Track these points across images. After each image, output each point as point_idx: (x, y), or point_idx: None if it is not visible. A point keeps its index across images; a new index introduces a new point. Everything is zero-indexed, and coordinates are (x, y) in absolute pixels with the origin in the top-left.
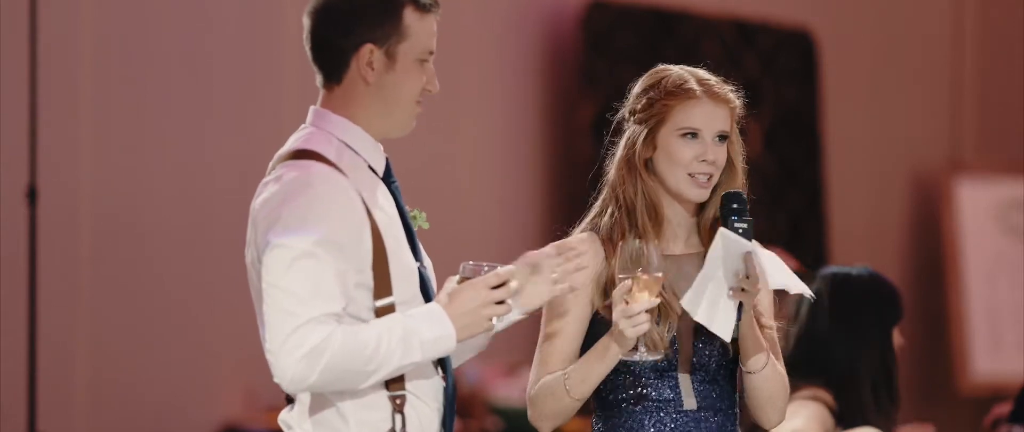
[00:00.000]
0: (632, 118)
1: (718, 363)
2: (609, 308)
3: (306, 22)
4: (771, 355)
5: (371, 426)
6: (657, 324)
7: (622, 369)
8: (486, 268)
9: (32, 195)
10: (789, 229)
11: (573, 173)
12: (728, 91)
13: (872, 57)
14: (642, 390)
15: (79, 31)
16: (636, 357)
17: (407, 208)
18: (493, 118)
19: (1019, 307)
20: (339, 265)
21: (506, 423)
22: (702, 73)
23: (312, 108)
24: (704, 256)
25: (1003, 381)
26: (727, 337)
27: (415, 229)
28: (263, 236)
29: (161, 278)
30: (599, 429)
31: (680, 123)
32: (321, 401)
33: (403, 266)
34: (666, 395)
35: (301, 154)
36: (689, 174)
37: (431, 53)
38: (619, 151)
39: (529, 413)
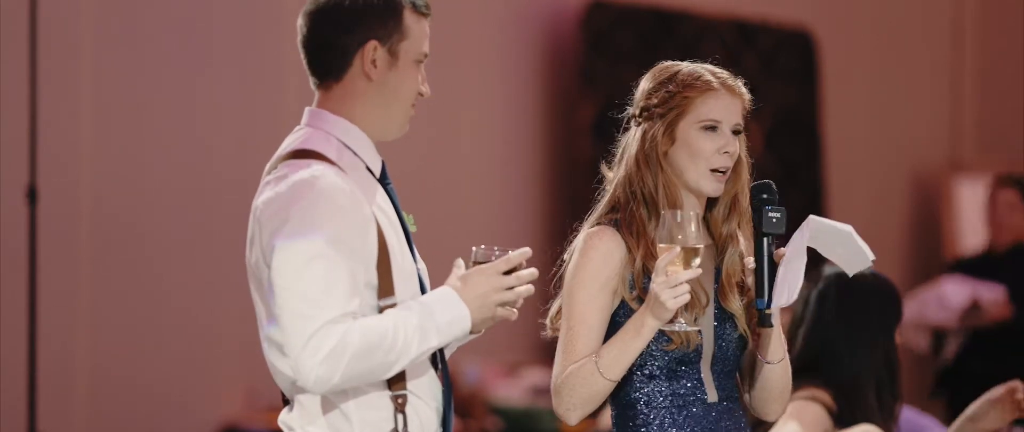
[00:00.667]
0: (645, 114)
1: (735, 355)
2: (635, 298)
3: (303, 23)
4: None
5: (373, 426)
6: (685, 312)
7: (643, 362)
8: (497, 252)
9: (32, 195)
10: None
11: (573, 173)
12: (740, 84)
13: (872, 57)
14: (666, 383)
15: (79, 31)
16: (675, 327)
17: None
18: (493, 118)
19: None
20: (350, 263)
21: (506, 423)
22: (711, 67)
23: (307, 109)
24: (714, 248)
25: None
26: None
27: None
28: (269, 238)
29: (161, 278)
30: (621, 425)
31: (701, 115)
32: (322, 402)
33: (403, 267)
34: (689, 388)
35: (302, 154)
36: (711, 168)
37: (426, 56)
38: (633, 146)
39: (555, 403)
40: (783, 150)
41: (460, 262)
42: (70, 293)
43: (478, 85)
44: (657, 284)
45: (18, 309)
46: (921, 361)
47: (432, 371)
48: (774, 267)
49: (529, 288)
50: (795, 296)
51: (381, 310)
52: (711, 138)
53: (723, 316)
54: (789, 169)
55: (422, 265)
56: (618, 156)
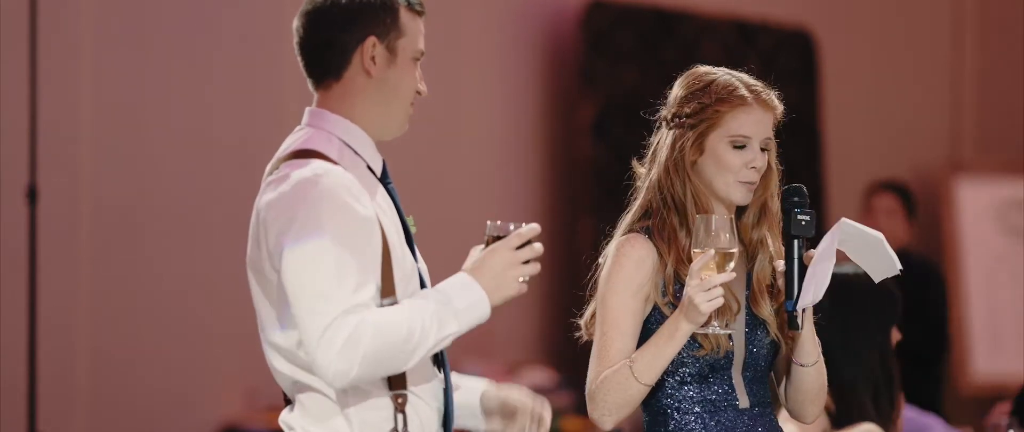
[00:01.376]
0: (676, 121)
1: (767, 361)
2: (667, 304)
3: (300, 24)
4: None
5: (373, 426)
6: (717, 317)
7: (674, 368)
8: (512, 226)
9: (32, 195)
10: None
11: (573, 173)
12: (774, 97)
13: (872, 57)
14: (697, 389)
15: (79, 31)
16: (709, 330)
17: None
18: (493, 118)
19: (1019, 307)
20: (360, 257)
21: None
22: (747, 78)
23: (308, 109)
24: (744, 254)
25: (1003, 381)
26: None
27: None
28: (276, 239)
29: (161, 278)
30: (653, 430)
31: (732, 130)
32: (322, 401)
33: (404, 266)
34: (720, 394)
35: (303, 153)
36: (739, 181)
37: (422, 53)
38: (663, 153)
39: (590, 409)
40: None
41: (477, 248)
42: (70, 293)
43: (478, 85)
44: (691, 288)
45: (18, 309)
46: None
47: (434, 371)
48: (803, 269)
49: (537, 265)
50: (820, 297)
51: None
52: (739, 154)
53: (755, 322)
54: (789, 169)
55: (423, 265)
56: (649, 155)
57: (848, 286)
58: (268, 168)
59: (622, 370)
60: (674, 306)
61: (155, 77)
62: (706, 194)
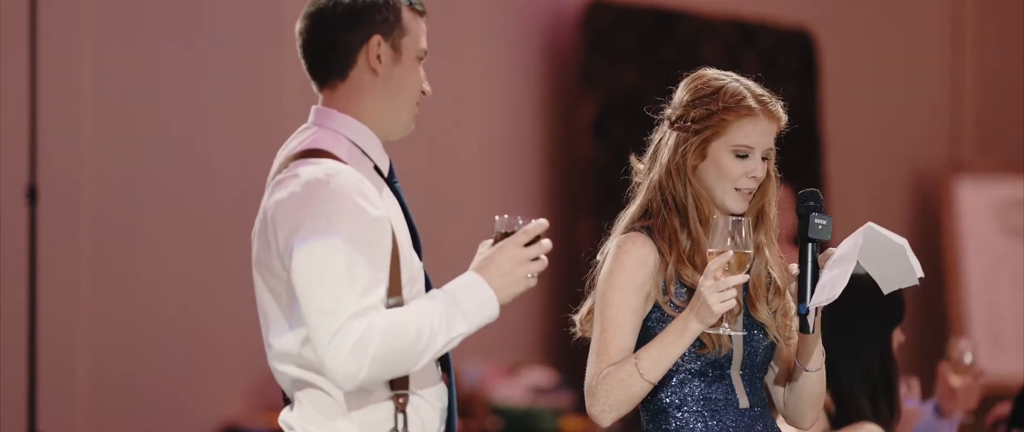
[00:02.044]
0: (680, 124)
1: (763, 362)
2: (668, 302)
3: (303, 25)
4: None
5: (373, 425)
6: (720, 319)
7: (676, 367)
8: (520, 221)
9: (32, 195)
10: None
11: (573, 173)
12: (780, 108)
13: (872, 57)
14: (699, 388)
15: (79, 31)
16: (721, 331)
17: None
18: (493, 118)
19: (1019, 307)
20: (369, 258)
21: (506, 423)
22: (755, 87)
23: (314, 108)
24: None
25: (1003, 381)
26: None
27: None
28: (286, 239)
29: (161, 278)
30: (654, 429)
31: (737, 140)
32: (322, 400)
33: (411, 267)
34: (721, 393)
35: (313, 153)
36: (736, 189)
37: (425, 53)
38: (665, 155)
39: (589, 405)
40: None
41: (486, 243)
42: (70, 293)
43: (478, 85)
44: (705, 288)
45: (18, 309)
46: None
47: (437, 372)
48: (817, 273)
49: (545, 261)
50: (835, 297)
51: (388, 308)
52: (741, 163)
53: (752, 324)
54: (789, 169)
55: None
56: (650, 152)
57: (849, 286)
58: (276, 166)
59: (626, 367)
60: (675, 305)
61: (155, 77)
62: (707, 198)
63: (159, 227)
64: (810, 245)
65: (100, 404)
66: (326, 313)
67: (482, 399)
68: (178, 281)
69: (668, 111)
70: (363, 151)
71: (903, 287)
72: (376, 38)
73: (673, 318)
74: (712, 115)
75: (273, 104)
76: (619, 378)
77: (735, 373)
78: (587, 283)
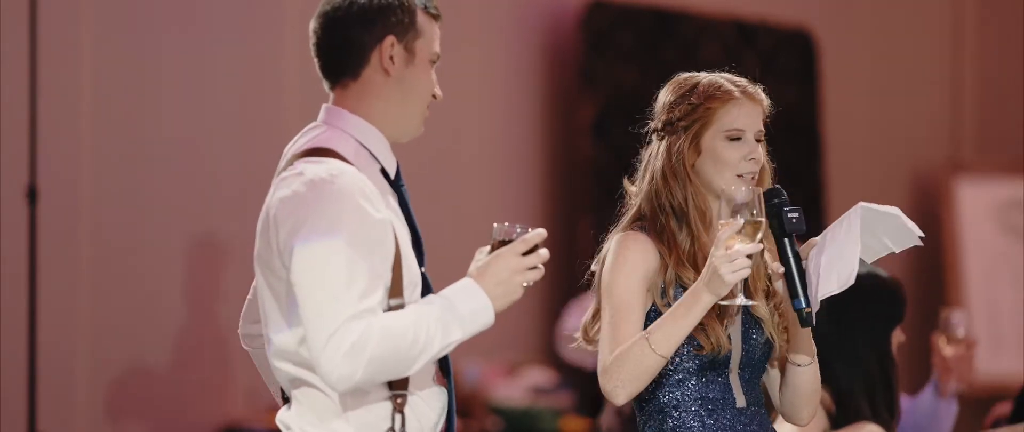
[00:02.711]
0: (668, 128)
1: (762, 360)
2: (665, 305)
3: (318, 24)
4: None
5: (370, 425)
6: (719, 319)
7: (673, 366)
8: (519, 229)
9: (32, 195)
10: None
11: (573, 173)
12: (760, 91)
13: (872, 57)
14: (696, 388)
15: (79, 31)
16: (736, 302)
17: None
18: (493, 118)
19: (1019, 307)
20: (370, 260)
21: (506, 423)
22: (730, 75)
23: (325, 106)
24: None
25: (1003, 381)
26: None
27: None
28: (287, 238)
29: (161, 278)
30: (652, 429)
31: (725, 125)
32: (319, 400)
33: (410, 271)
34: (718, 393)
35: (319, 152)
36: (738, 175)
37: (438, 57)
38: (658, 161)
39: (603, 382)
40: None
41: (483, 250)
42: (70, 293)
43: (478, 85)
44: (717, 258)
45: (18, 309)
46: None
47: (435, 373)
48: (801, 265)
49: (542, 270)
50: (849, 283)
51: (389, 310)
52: (736, 147)
53: (750, 321)
54: (789, 169)
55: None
56: (641, 170)
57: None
58: (282, 164)
59: (638, 342)
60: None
61: (155, 77)
62: (705, 196)
63: (159, 227)
64: (786, 240)
65: (100, 404)
66: (323, 314)
67: (482, 399)
68: (178, 281)
69: (652, 124)
70: (371, 152)
71: (908, 248)
72: (390, 39)
73: None
74: (696, 108)
75: (273, 104)
76: (632, 353)
77: (733, 373)
78: (587, 289)
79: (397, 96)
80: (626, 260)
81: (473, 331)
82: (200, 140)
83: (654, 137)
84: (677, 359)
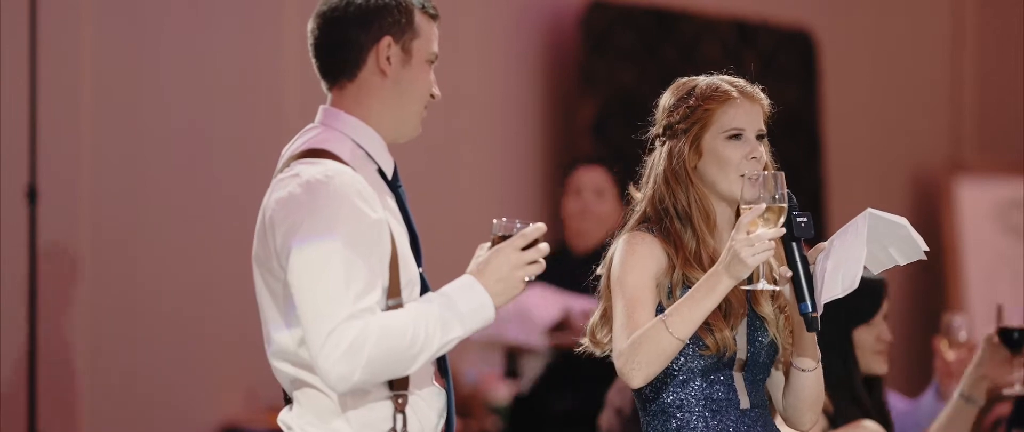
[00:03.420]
0: (669, 132)
1: (767, 362)
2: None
3: (315, 24)
4: None
5: (371, 425)
6: (725, 319)
7: (678, 368)
8: (519, 225)
9: (32, 195)
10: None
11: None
12: (759, 91)
13: (872, 57)
14: (700, 389)
15: (79, 31)
16: (758, 286)
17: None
18: (493, 118)
19: (1019, 307)
20: (367, 260)
21: (506, 423)
22: (726, 77)
23: (322, 107)
24: None
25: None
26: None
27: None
28: (284, 239)
29: (161, 278)
30: (656, 430)
31: (724, 125)
32: (321, 401)
33: (408, 271)
34: (722, 394)
35: (316, 153)
36: (741, 175)
37: (436, 57)
38: (660, 165)
39: (619, 365)
40: (783, 150)
41: (483, 247)
42: (70, 293)
43: (478, 85)
44: (738, 241)
45: (18, 309)
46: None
47: (435, 373)
48: (808, 270)
49: (543, 264)
50: (853, 287)
51: (387, 310)
52: (737, 146)
53: (756, 321)
54: (789, 169)
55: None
56: (645, 176)
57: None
58: (280, 165)
59: (656, 325)
60: None
61: (155, 77)
62: (709, 198)
63: (159, 227)
64: (795, 244)
65: (100, 404)
66: (321, 315)
67: (482, 399)
68: (178, 281)
69: (653, 130)
70: (367, 153)
71: (913, 261)
72: (387, 40)
73: None
74: (695, 110)
75: (273, 105)
76: (649, 335)
77: (737, 373)
78: (593, 291)
79: (394, 97)
80: (636, 257)
81: (473, 328)
82: (200, 140)
83: (656, 143)
84: (682, 359)
